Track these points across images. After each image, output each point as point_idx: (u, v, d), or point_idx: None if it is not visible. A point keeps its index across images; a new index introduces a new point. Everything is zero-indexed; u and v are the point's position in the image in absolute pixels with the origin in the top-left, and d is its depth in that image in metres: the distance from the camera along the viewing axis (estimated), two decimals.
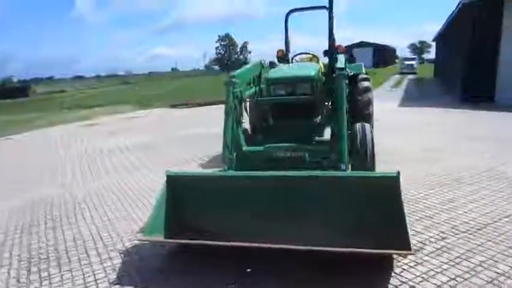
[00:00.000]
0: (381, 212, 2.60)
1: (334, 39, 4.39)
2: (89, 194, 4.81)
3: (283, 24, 6.00)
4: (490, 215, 3.45)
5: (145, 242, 3.25)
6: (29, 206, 4.49)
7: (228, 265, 2.78)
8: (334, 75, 3.37)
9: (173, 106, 15.28)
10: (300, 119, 3.91)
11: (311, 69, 3.96)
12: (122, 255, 3.10)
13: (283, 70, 4.20)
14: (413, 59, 36.30)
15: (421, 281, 2.48)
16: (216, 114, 13.11)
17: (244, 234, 2.62)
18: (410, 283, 2.47)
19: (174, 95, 22.57)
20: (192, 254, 2.99)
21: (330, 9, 4.22)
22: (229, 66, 69.30)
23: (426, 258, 2.75)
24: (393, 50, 68.17)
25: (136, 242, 3.31)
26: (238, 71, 3.79)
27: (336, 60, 4.06)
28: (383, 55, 57.25)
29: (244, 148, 3.58)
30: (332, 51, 4.38)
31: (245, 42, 76.18)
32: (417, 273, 2.57)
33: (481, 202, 3.76)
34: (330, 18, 4.26)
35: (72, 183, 5.38)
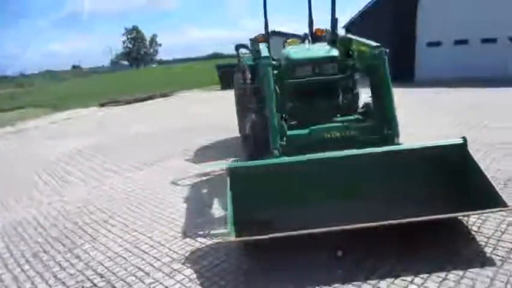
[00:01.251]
0: (462, 176, 2.72)
1: (336, 20, 4.46)
2: (82, 206, 4.12)
3: (262, 7, 5.84)
4: None
5: (200, 245, 2.95)
6: (13, 231, 3.68)
7: (313, 254, 2.63)
8: (376, 52, 3.36)
9: (103, 105, 13.93)
10: (325, 100, 3.87)
11: (332, 50, 3.92)
12: (187, 263, 2.73)
13: (303, 51, 4.08)
14: None
15: (502, 234, 2.68)
16: (154, 110, 12.35)
17: (323, 219, 2.52)
18: (494, 237, 2.64)
19: (92, 94, 20.51)
20: (263, 248, 2.74)
21: None
22: (139, 61, 65.37)
23: (487, 214, 2.93)
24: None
25: (192, 247, 2.96)
26: (267, 53, 3.58)
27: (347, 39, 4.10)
28: None
29: (289, 132, 3.42)
30: (335, 34, 4.44)
31: (154, 35, 72.56)
32: (493, 228, 2.76)
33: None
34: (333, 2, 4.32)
35: (49, 198, 4.55)
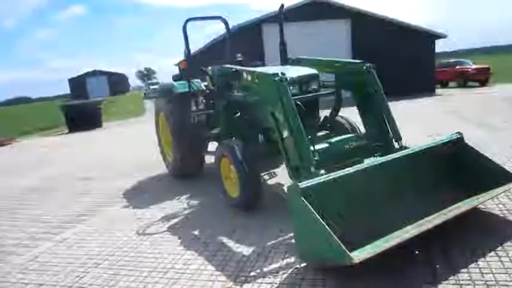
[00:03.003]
0: (472, 163, 3.24)
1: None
2: (41, 280, 2.85)
3: (182, 33, 5.57)
4: None
5: (271, 286, 2.53)
6: None
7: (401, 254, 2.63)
8: (364, 68, 3.63)
9: None
10: (310, 117, 3.96)
11: (311, 69, 4.03)
12: None
13: (286, 70, 3.99)
14: (157, 83, 38.80)
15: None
16: (13, 159, 9.50)
17: (397, 222, 2.63)
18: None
19: None
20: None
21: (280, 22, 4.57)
22: None
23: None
24: (126, 78, 69.79)
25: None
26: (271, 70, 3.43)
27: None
28: (118, 83, 57.42)
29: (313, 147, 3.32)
30: (285, 58, 4.67)
31: None
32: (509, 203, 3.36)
33: None
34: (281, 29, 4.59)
35: None
